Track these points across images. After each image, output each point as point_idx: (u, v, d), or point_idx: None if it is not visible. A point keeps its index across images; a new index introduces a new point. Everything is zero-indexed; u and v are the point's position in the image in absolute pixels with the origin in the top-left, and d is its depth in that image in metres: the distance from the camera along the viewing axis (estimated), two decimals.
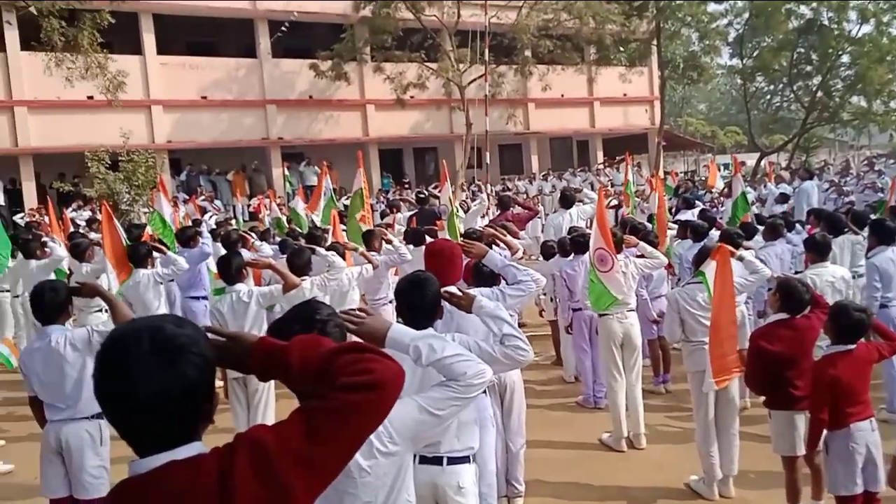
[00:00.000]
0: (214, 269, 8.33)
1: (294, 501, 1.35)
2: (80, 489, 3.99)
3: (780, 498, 4.34)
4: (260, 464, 1.33)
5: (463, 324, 3.57)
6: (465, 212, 12.17)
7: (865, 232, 6.97)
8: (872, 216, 7.88)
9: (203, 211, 15.67)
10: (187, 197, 17.90)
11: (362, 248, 6.83)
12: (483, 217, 11.77)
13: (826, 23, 27.59)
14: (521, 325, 10.04)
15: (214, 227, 11.45)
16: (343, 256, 6.45)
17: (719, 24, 28.42)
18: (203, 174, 21.28)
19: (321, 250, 6.23)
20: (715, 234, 7.27)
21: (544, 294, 8.46)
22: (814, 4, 27.31)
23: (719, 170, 25.77)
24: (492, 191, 21.06)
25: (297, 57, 22.04)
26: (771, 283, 5.49)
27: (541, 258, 8.28)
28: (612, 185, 22.43)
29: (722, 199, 14.83)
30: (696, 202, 11.73)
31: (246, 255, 7.75)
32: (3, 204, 15.89)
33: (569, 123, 28.05)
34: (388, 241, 7.33)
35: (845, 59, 28.38)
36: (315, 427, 1.37)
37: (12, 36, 17.31)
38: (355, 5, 21.95)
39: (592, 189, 23.41)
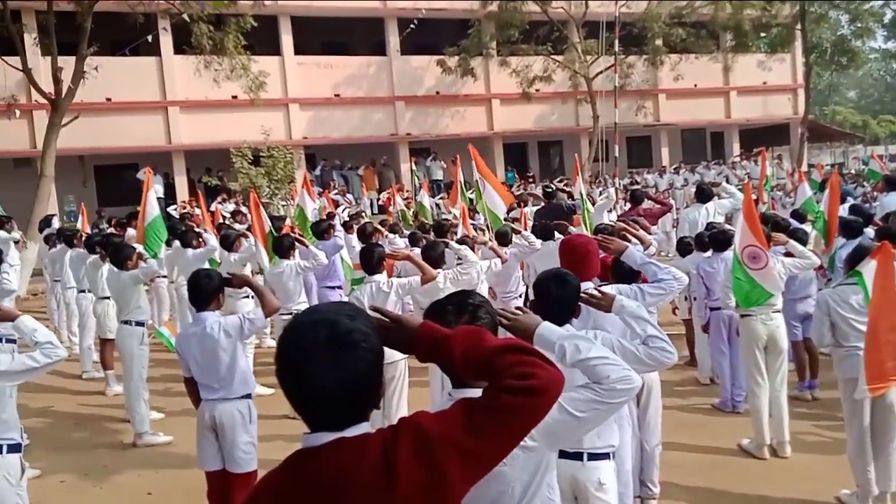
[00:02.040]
0: (348, 259, 8.71)
1: (450, 488, 1.42)
2: (232, 463, 4.27)
3: None
4: (422, 448, 1.41)
5: (600, 321, 3.52)
6: (593, 203, 11.94)
7: None
8: None
9: (336, 204, 16.31)
10: (321, 191, 18.71)
11: (492, 243, 6.87)
12: (611, 211, 11.52)
13: None
14: None
15: (347, 219, 11.90)
16: (472, 250, 6.52)
17: (873, 5, 26.20)
18: (336, 169, 22.15)
19: (453, 244, 6.33)
20: (871, 231, 6.74)
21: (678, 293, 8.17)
22: None
23: (865, 162, 23.90)
24: (620, 184, 20.63)
25: (425, 53, 22.46)
26: None
27: (676, 255, 8.01)
28: (750, 179, 21.24)
29: (875, 193, 13.70)
30: (848, 197, 10.87)
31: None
32: (161, 196, 17.27)
33: (702, 114, 26.84)
34: (517, 233, 7.35)
35: None
36: (476, 422, 1.44)
37: (166, 41, 18.76)
38: (482, 2, 22.07)
39: (728, 182, 22.37)
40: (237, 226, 10.97)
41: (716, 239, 6.50)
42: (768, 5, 22.78)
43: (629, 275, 4.08)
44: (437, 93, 22.95)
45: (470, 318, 2.16)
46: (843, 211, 9.26)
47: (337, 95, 21.94)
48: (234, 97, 18.94)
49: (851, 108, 46.94)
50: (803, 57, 25.90)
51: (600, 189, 16.74)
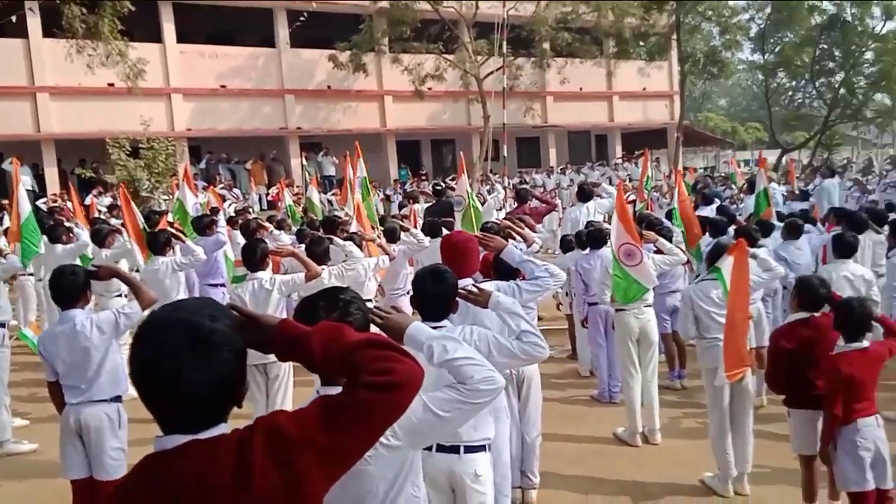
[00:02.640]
0: (231, 256, 8.44)
1: (308, 488, 1.41)
2: (99, 470, 4.04)
3: (796, 496, 4.32)
4: (277, 449, 1.39)
5: (479, 316, 3.58)
6: (482, 204, 12.16)
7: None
8: (892, 215, 7.79)
9: (222, 199, 15.77)
10: (206, 185, 18.02)
11: (380, 239, 6.86)
12: (500, 210, 11.77)
13: (849, 19, 27.24)
14: (537, 319, 10.06)
15: (233, 215, 11.53)
16: (360, 247, 6.48)
17: (741, 19, 28.16)
18: (222, 162, 21.41)
19: (338, 240, 6.26)
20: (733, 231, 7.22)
21: (561, 288, 8.47)
22: (837, 0, 26.98)
23: (739, 166, 25.72)
24: (509, 184, 21.11)
25: (316, 47, 22.11)
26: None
27: (559, 252, 8.29)
28: (630, 180, 22.28)
29: (741, 195, 14.73)
30: (715, 198, 11.62)
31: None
32: (31, 189, 16.05)
33: (587, 117, 27.91)
34: (406, 230, 7.37)
35: (868, 56, 28.09)
36: (333, 419, 1.43)
37: (34, 23, 17.49)
38: None
39: (611, 183, 23.38)
40: (113, 221, 10.39)
41: (592, 237, 6.76)
42: (646, 15, 23.95)
43: (509, 272, 4.17)
44: (329, 87, 22.65)
45: (341, 313, 2.14)
46: (712, 212, 9.92)
47: (223, 87, 21.21)
48: (111, 85, 17.92)
49: (722, 115, 50.12)
50: (679, 65, 27.46)
51: (488, 187, 17.04)
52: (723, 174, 26.96)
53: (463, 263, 3.75)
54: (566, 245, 7.93)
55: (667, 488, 4.96)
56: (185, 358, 1.39)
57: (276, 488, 1.37)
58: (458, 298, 3.05)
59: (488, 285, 3.83)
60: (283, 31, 21.90)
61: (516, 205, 10.44)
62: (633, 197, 14.64)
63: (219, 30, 21.60)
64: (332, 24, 22.00)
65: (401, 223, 7.60)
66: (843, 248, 5.67)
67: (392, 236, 7.43)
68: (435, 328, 2.82)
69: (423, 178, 23.04)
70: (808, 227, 8.08)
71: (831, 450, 3.83)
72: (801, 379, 4.12)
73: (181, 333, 1.41)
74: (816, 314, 4.20)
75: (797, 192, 15.14)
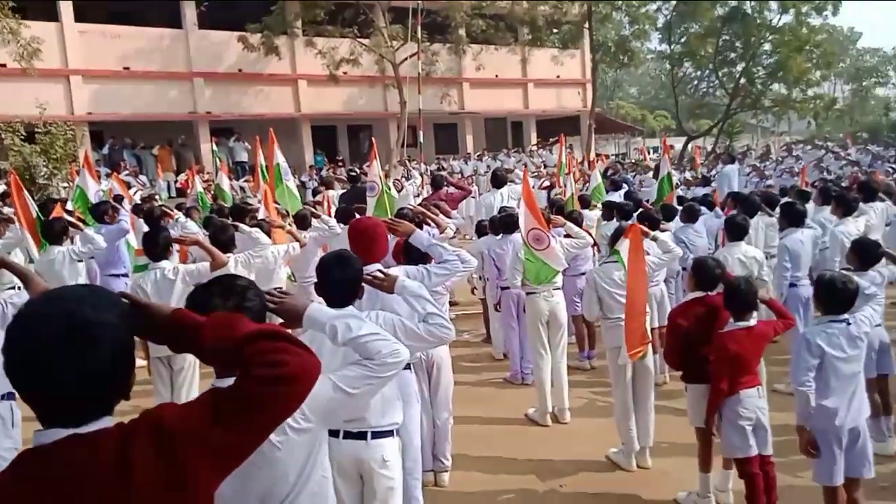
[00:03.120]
0: (135, 245, 8.11)
1: (194, 483, 1.37)
2: None
3: (694, 467, 4.54)
4: (161, 443, 1.34)
5: (388, 301, 3.58)
6: (399, 191, 12.13)
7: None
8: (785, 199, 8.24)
9: (127, 186, 15.10)
10: (110, 172, 17.21)
11: (289, 226, 6.74)
12: (417, 196, 11.79)
13: (749, 12, 28.52)
14: (453, 304, 10.13)
15: (139, 202, 11.08)
16: (269, 234, 6.35)
17: (649, 9, 29.03)
18: (127, 148, 20.48)
19: (244, 227, 6.12)
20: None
21: (475, 273, 8.56)
22: None
23: (649, 153, 26.62)
24: (426, 170, 21.14)
25: (226, 29, 21.38)
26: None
27: (474, 237, 8.37)
28: (546, 167, 22.74)
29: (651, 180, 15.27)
30: (624, 184, 12.01)
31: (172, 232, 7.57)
32: None
33: (503, 104, 28.20)
34: (317, 217, 7.27)
35: (767, 47, 29.47)
36: (223, 413, 1.38)
37: None
38: None
39: (527, 168, 23.77)
40: (7, 210, 9.78)
41: (504, 222, 6.87)
42: (559, 3, 24.35)
43: (418, 256, 4.19)
44: (240, 70, 21.98)
45: (238, 301, 2.09)
46: (620, 197, 10.26)
47: (126, 68, 20.24)
48: (3, 65, 16.82)
49: (633, 103, 51.75)
50: (591, 54, 28.12)
51: (405, 174, 17.01)
52: (633, 160, 27.91)
53: (370, 249, 3.74)
54: (481, 230, 8.02)
55: (574, 465, 5.13)
56: (61, 349, 1.33)
57: (160, 484, 1.33)
58: (364, 284, 3.04)
59: (396, 270, 3.84)
60: (190, 12, 21.08)
61: (432, 191, 10.47)
62: (547, 183, 14.99)
63: (121, 9, 20.57)
64: (242, 6, 21.29)
65: (312, 210, 7.48)
66: (736, 231, 5.97)
67: (303, 223, 7.32)
68: None
69: (340, 163, 22.74)
70: (706, 210, 8.48)
71: (717, 420, 4.06)
72: (697, 355, 4.31)
73: (58, 323, 1.34)
74: (711, 293, 4.41)
75: (700, 177, 15.82)
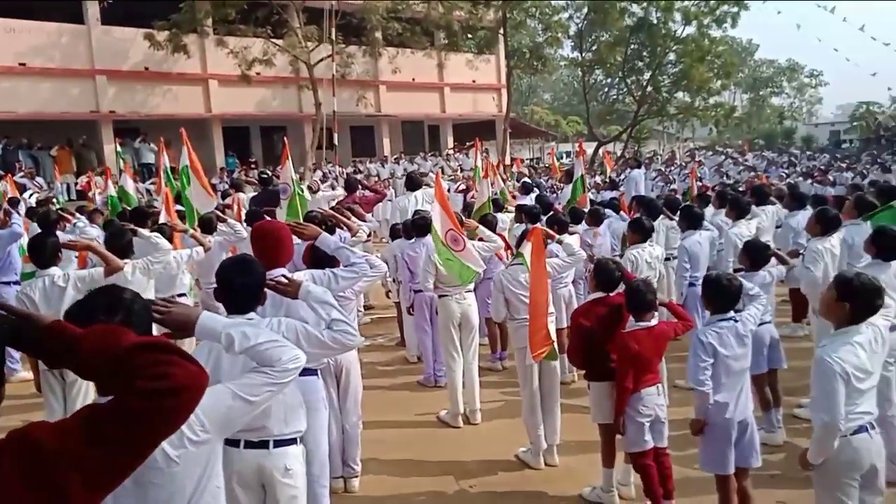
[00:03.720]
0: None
1: None
2: None
3: (599, 463, 4.67)
4: (29, 463, 1.26)
5: (293, 307, 3.52)
6: (314, 192, 11.95)
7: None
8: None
9: (22, 189, 14.27)
10: (3, 174, 16.21)
11: (193, 231, 6.53)
12: (333, 200, 11.64)
13: (655, 23, 29.66)
14: (368, 307, 10.09)
15: (34, 205, 10.50)
16: (171, 238, 6.13)
17: (561, 17, 29.78)
18: (23, 148, 19.34)
19: (143, 231, 5.89)
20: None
21: (389, 276, 8.54)
22: (644, 4, 29.26)
23: (560, 158, 27.27)
24: (341, 172, 20.94)
25: (131, 25, 20.53)
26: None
27: (388, 240, 8.35)
28: (462, 170, 22.92)
29: (561, 184, 15.64)
30: (535, 188, 12.25)
31: (68, 236, 7.20)
32: None
33: (420, 108, 28.28)
34: (223, 221, 7.09)
35: (672, 57, 30.70)
36: (101, 430, 1.30)
37: None
38: None
39: (443, 173, 23.93)
40: None
41: (417, 225, 6.88)
42: (474, 9, 24.63)
43: (325, 260, 4.14)
44: (147, 69, 21.15)
45: (124, 315, 1.99)
46: (531, 201, 10.43)
47: (22, 65, 19.13)
48: None
49: (547, 109, 52.97)
50: (505, 59, 28.58)
51: (319, 174, 16.81)
52: (546, 164, 28.54)
53: (274, 253, 3.68)
54: (395, 233, 8.01)
55: (485, 465, 5.19)
56: None
57: None
58: (265, 291, 2.98)
59: (302, 274, 3.79)
60: (92, 8, 20.11)
61: (346, 194, 10.38)
62: (463, 186, 15.13)
63: (17, 2, 19.44)
64: (149, 2, 20.55)
65: (218, 213, 7.28)
66: (640, 232, 6.19)
67: (208, 227, 7.11)
68: None
69: (253, 165, 22.23)
70: (611, 213, 8.78)
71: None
72: (599, 354, 4.45)
73: None
74: (612, 294, 4.56)
75: (609, 181, 16.33)
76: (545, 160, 34.19)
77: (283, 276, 3.26)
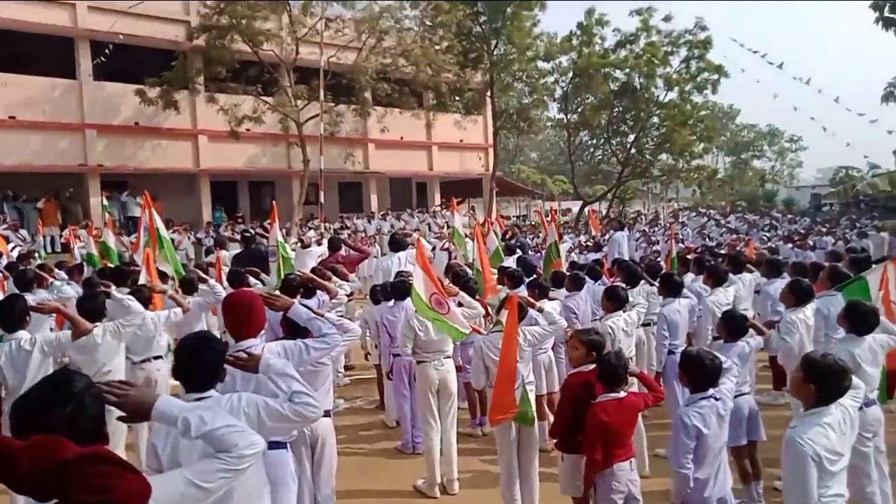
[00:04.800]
0: None
1: None
2: None
3: None
4: None
5: (263, 380, 3.48)
6: (305, 247, 11.93)
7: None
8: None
9: (6, 241, 14.19)
10: None
11: (171, 291, 6.49)
12: (320, 257, 11.63)
13: (638, 88, 30.43)
14: (348, 368, 9.99)
15: (16, 260, 10.42)
16: (149, 299, 6.08)
17: (547, 81, 30.52)
18: (7, 200, 19.32)
19: (116, 293, 5.83)
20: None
21: (370, 338, 8.50)
22: (627, 70, 30.06)
23: (546, 216, 27.56)
24: (328, 228, 21.02)
25: (123, 81, 20.82)
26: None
27: (369, 303, 8.31)
28: (448, 227, 23.05)
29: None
30: (518, 249, 12.29)
31: (44, 295, 7.14)
32: None
33: (408, 165, 28.61)
34: (203, 281, 7.05)
35: (655, 120, 31.39)
36: None
37: None
38: (189, 33, 21.27)
39: (430, 230, 24.06)
40: None
41: (397, 289, 6.88)
42: (462, 72, 25.20)
43: (298, 330, 4.11)
44: (137, 124, 21.36)
45: (75, 406, 1.93)
46: (514, 262, 10.46)
47: (12, 118, 19.28)
48: None
49: (533, 168, 53.82)
50: (493, 120, 29.13)
51: (307, 229, 16.84)
52: (532, 223, 28.83)
53: (245, 324, 3.65)
54: (375, 295, 7.98)
55: None
56: None
57: None
58: (224, 368, 2.95)
59: (273, 345, 3.76)
60: (85, 62, 20.43)
61: (329, 253, 10.39)
62: (448, 245, 15.19)
63: (9, 55, 19.71)
64: (142, 58, 20.89)
65: (199, 273, 7.24)
66: (615, 301, 6.21)
67: (189, 288, 7.07)
68: (199, 399, 2.71)
69: (240, 220, 22.28)
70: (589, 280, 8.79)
71: (592, 493, 4.13)
72: (577, 424, 4.40)
73: None
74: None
75: (592, 242, 16.45)
76: (531, 218, 34.54)
77: (243, 350, 3.24)
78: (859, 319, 4.76)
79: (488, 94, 28.22)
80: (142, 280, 6.81)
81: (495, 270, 8.87)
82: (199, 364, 2.81)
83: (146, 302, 5.97)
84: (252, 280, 8.25)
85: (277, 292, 6.99)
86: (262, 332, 3.91)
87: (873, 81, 48.82)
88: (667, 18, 29.29)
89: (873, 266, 6.33)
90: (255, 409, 2.74)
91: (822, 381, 3.21)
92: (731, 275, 7.64)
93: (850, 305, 4.91)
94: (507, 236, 16.50)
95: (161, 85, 20.32)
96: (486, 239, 13.57)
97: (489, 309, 7.58)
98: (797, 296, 5.86)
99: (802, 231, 20.93)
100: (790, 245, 16.54)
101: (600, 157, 37.44)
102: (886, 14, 21.67)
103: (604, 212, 34.08)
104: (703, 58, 29.33)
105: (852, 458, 4.34)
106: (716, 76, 29.34)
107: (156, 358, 6.07)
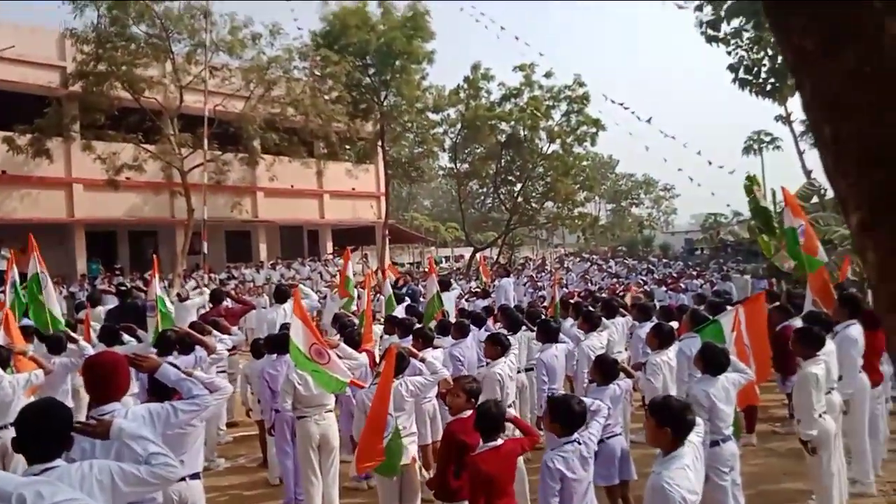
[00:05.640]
0: None
1: None
2: None
3: None
4: None
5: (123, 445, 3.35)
6: (183, 300, 11.52)
7: None
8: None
9: None
10: None
11: (32, 352, 6.12)
12: (202, 309, 11.26)
13: (523, 139, 31.76)
14: (230, 425, 9.64)
15: None
16: (7, 362, 5.71)
17: (437, 132, 31.34)
18: None
19: None
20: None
21: (252, 394, 8.28)
22: (512, 123, 31.35)
23: (437, 263, 27.95)
24: (213, 279, 20.39)
25: None
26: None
27: (251, 357, 8.12)
28: (342, 276, 22.85)
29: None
30: (406, 297, 12.40)
31: None
32: None
33: (299, 213, 28.33)
34: (73, 341, 6.70)
35: (540, 170, 32.76)
36: None
37: None
38: (64, 79, 20.42)
39: (322, 279, 23.79)
40: None
41: (279, 341, 6.78)
42: (352, 122, 25.44)
43: (166, 391, 3.98)
44: (4, 172, 20.11)
45: None
46: (402, 311, 10.54)
47: None
48: None
49: (426, 215, 54.54)
50: (384, 169, 29.45)
51: (188, 284, 16.27)
52: (425, 269, 29.10)
53: (108, 387, 3.52)
54: (256, 349, 7.81)
55: None
56: None
57: None
58: (72, 436, 2.83)
59: (139, 409, 3.63)
60: None
61: (211, 306, 10.09)
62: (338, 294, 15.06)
63: None
64: (11, 105, 19.79)
65: (68, 332, 6.87)
66: (499, 346, 6.40)
67: (57, 347, 6.69)
68: (45, 470, 2.60)
69: (118, 272, 21.26)
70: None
71: None
72: (457, 471, 4.47)
73: None
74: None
75: (481, 289, 16.80)
76: (425, 265, 34.90)
77: (92, 417, 3.13)
78: (711, 360, 5.13)
79: (379, 143, 28.58)
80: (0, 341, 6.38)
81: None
82: (41, 434, 2.68)
83: (5, 364, 5.59)
84: (127, 337, 7.89)
85: (153, 350, 6.75)
86: (135, 392, 3.78)
87: (734, 137, 53.21)
88: (548, 74, 30.92)
89: (727, 308, 6.86)
90: (109, 475, 2.64)
91: (675, 421, 3.44)
92: (604, 319, 8.04)
93: (703, 348, 5.29)
94: (399, 284, 16.57)
95: (33, 132, 19.29)
96: (382, 287, 13.61)
97: (376, 358, 7.62)
98: (660, 339, 6.26)
99: (675, 275, 22.28)
100: (664, 288, 17.55)
101: (490, 204, 38.56)
102: (741, 75, 23.91)
103: (494, 257, 34.93)
104: (581, 112, 31.04)
105: (712, 493, 4.68)
106: (594, 129, 31.08)
107: (12, 424, 5.65)
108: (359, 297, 13.26)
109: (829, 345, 5.82)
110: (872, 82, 1.08)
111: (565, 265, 28.06)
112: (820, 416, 5.33)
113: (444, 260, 37.31)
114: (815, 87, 1.15)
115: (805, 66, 1.16)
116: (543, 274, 24.92)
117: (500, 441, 4.30)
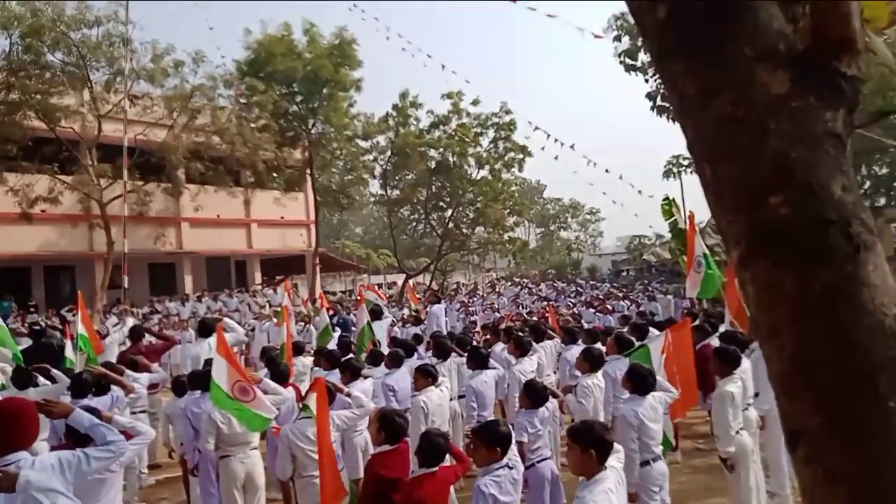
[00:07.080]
0: None
1: None
2: None
3: None
4: None
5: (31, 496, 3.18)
6: (103, 337, 11.06)
7: None
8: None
9: None
10: None
11: None
12: (121, 345, 10.82)
13: (453, 166, 32.08)
14: (153, 467, 9.25)
15: None
16: None
17: (366, 159, 31.31)
18: None
19: None
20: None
21: (173, 434, 7.98)
22: (441, 149, 31.66)
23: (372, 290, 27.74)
24: (135, 313, 19.64)
25: None
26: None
27: (172, 395, 7.83)
28: (270, 306, 22.45)
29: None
30: (337, 327, 12.26)
31: None
32: None
33: (226, 244, 27.71)
34: None
35: (470, 196, 33.10)
36: None
37: None
38: None
39: (250, 310, 23.25)
40: None
41: (202, 377, 6.57)
42: (279, 150, 25.15)
43: (81, 438, 3.80)
44: None
45: None
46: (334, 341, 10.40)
47: None
48: None
49: (358, 243, 54.24)
50: (314, 197, 29.16)
51: (108, 321, 15.64)
52: (357, 298, 28.84)
53: (15, 434, 3.33)
54: (178, 386, 7.55)
55: None
56: None
57: None
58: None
59: (48, 457, 3.46)
60: None
61: (130, 343, 9.71)
62: (268, 324, 14.79)
63: None
64: None
65: None
66: (428, 376, 6.40)
67: None
68: None
69: (32, 309, 20.24)
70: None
71: None
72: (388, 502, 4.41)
73: None
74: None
75: (413, 316, 16.78)
76: (357, 293, 34.58)
77: (1, 469, 2.97)
78: (639, 381, 5.27)
79: (308, 171, 28.33)
80: None
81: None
82: None
83: None
84: (41, 379, 7.50)
85: (67, 393, 6.44)
86: (43, 439, 3.59)
87: (656, 160, 55.33)
88: (475, 102, 31.40)
89: (656, 333, 7.07)
90: None
91: (597, 443, 3.50)
92: (534, 343, 8.14)
93: (630, 368, 5.44)
94: (330, 314, 16.32)
95: None
96: (313, 318, 13.40)
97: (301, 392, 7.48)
98: (591, 362, 6.39)
99: (602, 297, 22.80)
100: (591, 310, 17.92)
101: (421, 230, 38.67)
102: (658, 102, 24.89)
103: (427, 283, 34.96)
104: (509, 138, 31.61)
105: None
106: (521, 155, 31.68)
107: None
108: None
109: (745, 363, 6.06)
110: (745, 126, 1.15)
111: (497, 290, 28.33)
112: (737, 432, 5.53)
113: (377, 286, 37.06)
114: (696, 129, 1.22)
115: (686, 110, 1.23)
116: (475, 299, 25.08)
117: (435, 468, 4.28)
